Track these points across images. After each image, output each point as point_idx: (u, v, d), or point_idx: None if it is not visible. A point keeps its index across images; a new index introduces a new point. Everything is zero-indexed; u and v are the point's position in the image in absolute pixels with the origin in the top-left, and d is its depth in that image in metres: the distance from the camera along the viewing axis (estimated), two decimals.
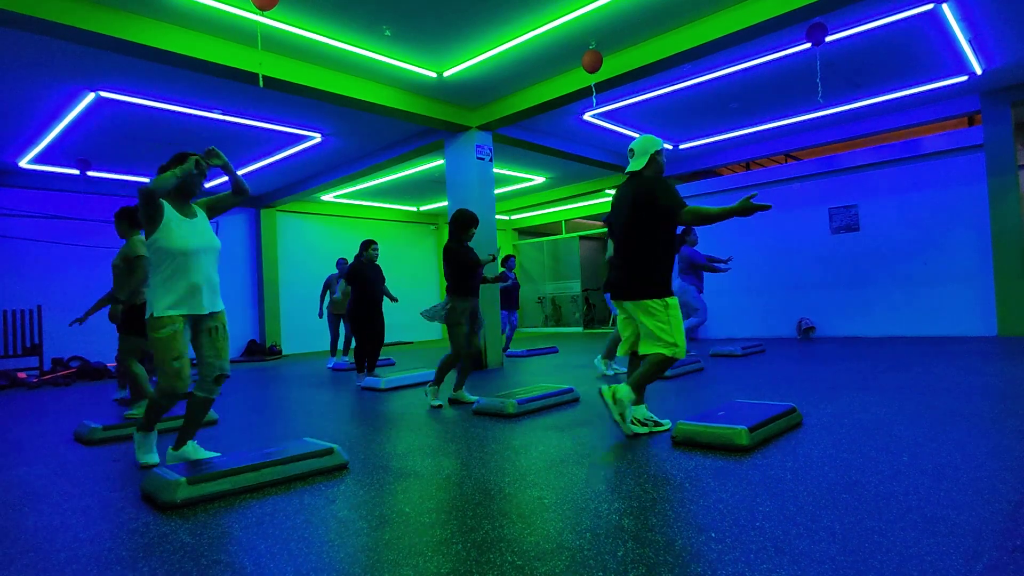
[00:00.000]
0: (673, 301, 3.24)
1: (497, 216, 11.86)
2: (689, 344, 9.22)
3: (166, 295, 2.88)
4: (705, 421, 3.07)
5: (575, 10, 5.16)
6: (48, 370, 8.72)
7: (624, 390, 3.19)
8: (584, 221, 15.95)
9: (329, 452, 2.94)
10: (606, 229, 3.69)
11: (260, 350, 11.38)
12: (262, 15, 4.91)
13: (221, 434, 4.03)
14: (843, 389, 4.43)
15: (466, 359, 4.73)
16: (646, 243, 3.23)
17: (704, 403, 4.21)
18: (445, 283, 4.67)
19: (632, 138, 8.98)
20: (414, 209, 14.17)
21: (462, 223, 4.60)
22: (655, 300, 3.20)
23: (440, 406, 4.64)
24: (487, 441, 3.41)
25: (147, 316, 2.90)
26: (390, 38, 5.53)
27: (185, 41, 5.08)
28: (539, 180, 11.73)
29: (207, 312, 3.01)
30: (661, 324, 3.19)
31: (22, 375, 8.07)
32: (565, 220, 15.22)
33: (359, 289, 6.25)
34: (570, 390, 4.60)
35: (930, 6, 5.28)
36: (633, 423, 3.33)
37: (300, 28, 5.24)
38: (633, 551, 1.83)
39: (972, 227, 8.01)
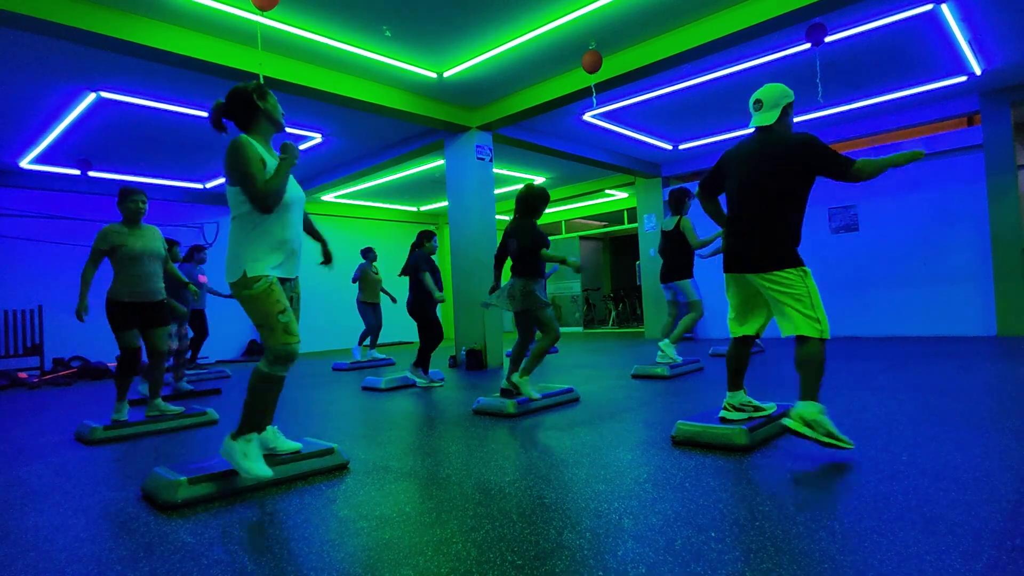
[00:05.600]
0: (809, 270, 2.83)
1: (497, 216, 11.87)
2: (690, 344, 9.23)
3: (263, 255, 2.55)
4: (705, 421, 3.07)
5: (575, 10, 5.16)
6: (49, 370, 8.72)
7: (807, 408, 2.68)
8: (584, 221, 15.94)
9: (329, 452, 2.94)
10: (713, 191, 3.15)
11: (260, 350, 11.38)
12: (262, 15, 4.91)
13: (222, 434, 4.03)
14: (843, 389, 4.43)
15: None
16: (784, 206, 2.78)
17: (704, 403, 4.21)
18: (511, 265, 4.39)
19: (631, 138, 8.98)
20: (414, 209, 14.18)
21: (542, 198, 4.39)
22: (792, 270, 2.77)
23: (538, 399, 4.30)
24: (487, 441, 3.42)
25: (236, 279, 2.53)
26: (390, 38, 5.54)
27: (185, 41, 5.08)
28: (539, 180, 11.74)
29: (295, 276, 2.71)
30: (802, 297, 2.75)
31: (23, 375, 8.08)
32: (565, 220, 15.22)
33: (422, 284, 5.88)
34: (570, 390, 4.60)
35: (929, 6, 5.28)
36: (727, 409, 3.11)
37: (300, 28, 5.24)
38: (633, 551, 1.83)
39: (972, 227, 8.01)
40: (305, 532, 2.13)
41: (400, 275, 6.31)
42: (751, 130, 2.98)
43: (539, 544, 1.92)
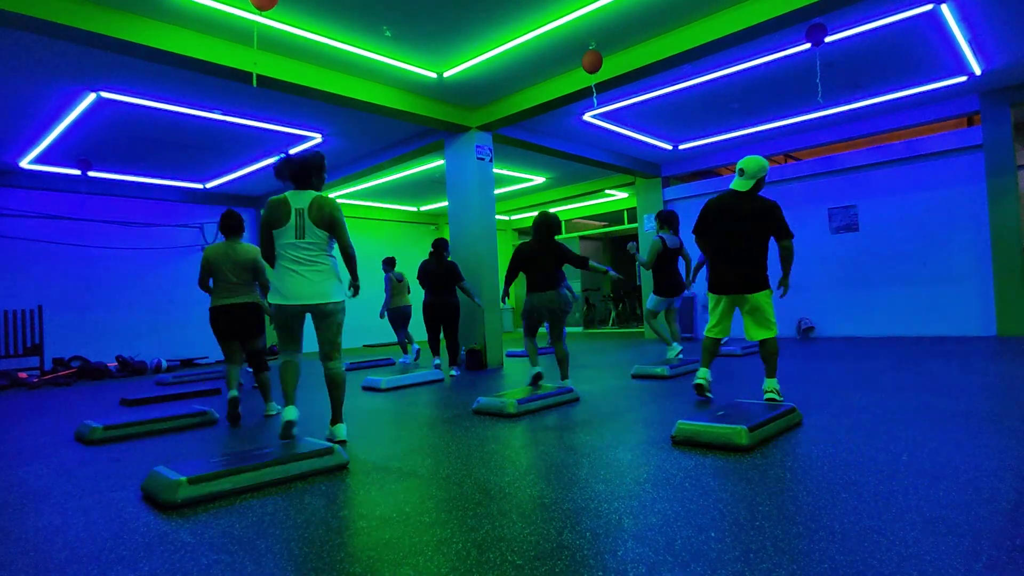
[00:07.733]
0: (771, 291, 4.01)
1: (497, 216, 11.86)
2: (689, 344, 9.23)
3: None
4: (705, 421, 3.07)
5: (575, 10, 5.16)
6: (49, 370, 8.72)
7: (775, 383, 3.93)
8: (584, 221, 15.94)
9: (329, 452, 2.94)
10: (704, 231, 4.17)
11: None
12: (261, 15, 4.91)
13: (222, 434, 4.03)
14: (843, 389, 4.43)
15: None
16: (763, 248, 3.95)
17: (704, 403, 4.21)
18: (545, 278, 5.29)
19: (631, 138, 8.98)
20: (414, 209, 14.18)
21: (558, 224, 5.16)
22: (768, 291, 3.95)
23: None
24: (487, 441, 3.42)
25: (340, 300, 3.50)
26: (390, 38, 5.54)
27: (185, 41, 5.08)
28: (539, 180, 11.73)
29: None
30: (771, 310, 3.95)
31: (23, 375, 8.08)
32: (565, 220, 15.21)
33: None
34: (570, 390, 4.60)
35: (929, 6, 5.28)
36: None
37: (300, 28, 5.24)
38: (633, 551, 1.83)
39: (971, 227, 8.01)
40: (305, 532, 2.14)
41: (432, 281, 6.63)
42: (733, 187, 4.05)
43: (539, 544, 1.92)
